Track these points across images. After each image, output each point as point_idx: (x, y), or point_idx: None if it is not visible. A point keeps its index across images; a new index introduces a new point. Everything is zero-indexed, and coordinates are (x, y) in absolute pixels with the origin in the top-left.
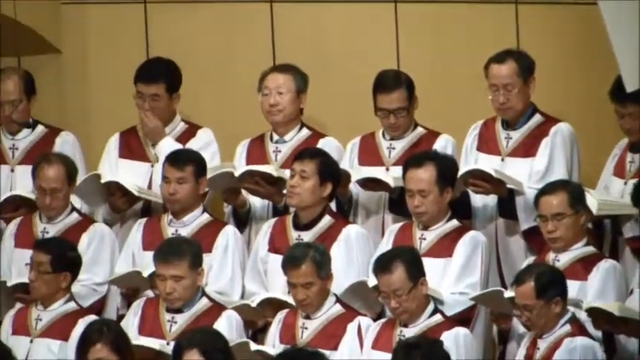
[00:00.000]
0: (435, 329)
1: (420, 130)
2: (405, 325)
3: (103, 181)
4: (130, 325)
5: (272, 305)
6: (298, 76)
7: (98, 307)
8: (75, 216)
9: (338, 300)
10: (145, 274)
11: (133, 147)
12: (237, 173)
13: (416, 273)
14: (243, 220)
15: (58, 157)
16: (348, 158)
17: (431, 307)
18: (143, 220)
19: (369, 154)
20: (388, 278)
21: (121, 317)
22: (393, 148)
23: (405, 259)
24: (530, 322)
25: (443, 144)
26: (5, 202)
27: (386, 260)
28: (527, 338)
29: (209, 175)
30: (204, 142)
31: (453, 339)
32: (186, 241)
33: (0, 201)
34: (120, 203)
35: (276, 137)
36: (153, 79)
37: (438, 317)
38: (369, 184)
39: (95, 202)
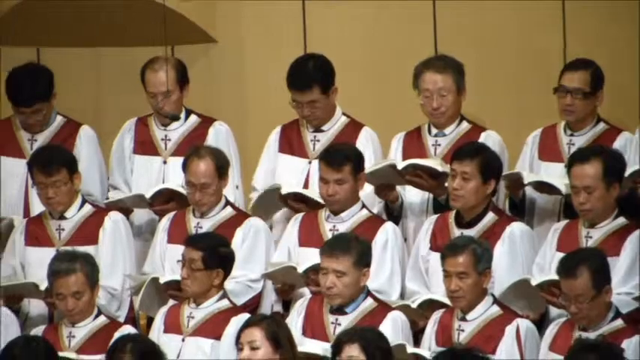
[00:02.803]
0: (615, 335)
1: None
2: (585, 329)
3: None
4: (294, 324)
5: (433, 306)
6: (456, 73)
7: (253, 304)
8: (229, 210)
9: (496, 301)
10: (300, 269)
11: (293, 142)
12: (399, 166)
13: (601, 281)
14: (396, 215)
15: (209, 151)
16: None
17: (612, 313)
18: (300, 216)
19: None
20: (572, 283)
21: (275, 314)
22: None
23: (592, 265)
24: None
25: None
26: (157, 195)
27: (571, 263)
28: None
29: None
30: (369, 142)
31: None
32: (356, 238)
33: (151, 194)
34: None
35: (434, 131)
36: (306, 86)
37: (619, 322)
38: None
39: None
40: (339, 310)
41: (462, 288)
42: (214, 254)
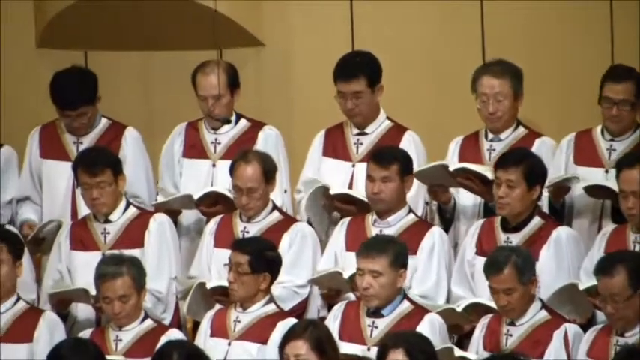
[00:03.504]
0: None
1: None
2: (622, 334)
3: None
4: (330, 329)
5: (478, 310)
6: (514, 78)
7: (299, 309)
8: (276, 215)
9: (544, 305)
10: (346, 275)
11: (337, 145)
12: (451, 168)
13: (638, 281)
14: (448, 217)
15: (256, 155)
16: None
17: None
18: (347, 220)
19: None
20: (608, 281)
21: (321, 320)
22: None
23: (629, 265)
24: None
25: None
26: (204, 197)
27: (608, 263)
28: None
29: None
30: (411, 146)
31: None
32: (392, 239)
33: (199, 196)
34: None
35: (490, 135)
36: (352, 75)
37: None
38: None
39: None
40: (376, 313)
41: (510, 302)
42: (261, 258)
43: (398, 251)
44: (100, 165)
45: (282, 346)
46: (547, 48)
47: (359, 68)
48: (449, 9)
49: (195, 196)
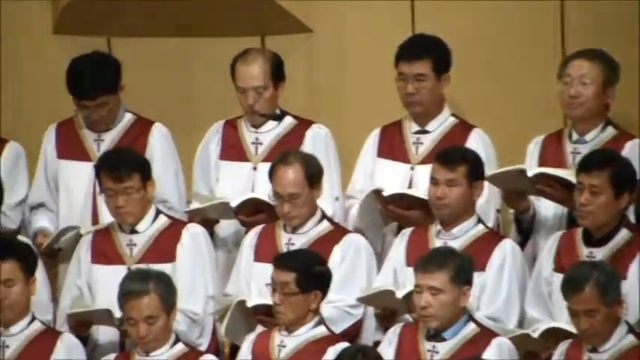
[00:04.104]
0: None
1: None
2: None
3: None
4: (385, 355)
5: (557, 335)
6: (607, 65)
7: (352, 332)
8: (325, 225)
9: (631, 330)
10: (400, 294)
11: (393, 145)
12: (529, 173)
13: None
14: (525, 226)
15: (298, 157)
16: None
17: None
18: (408, 231)
19: None
20: None
21: (376, 344)
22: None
23: None
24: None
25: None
26: (243, 205)
27: None
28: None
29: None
30: (480, 146)
31: None
32: (453, 252)
33: (237, 204)
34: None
35: (575, 136)
36: (417, 55)
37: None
38: None
39: None
40: (437, 337)
41: (593, 325)
42: (310, 274)
43: (460, 265)
44: (126, 169)
45: None
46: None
47: (425, 49)
48: (516, 9)
49: (234, 204)
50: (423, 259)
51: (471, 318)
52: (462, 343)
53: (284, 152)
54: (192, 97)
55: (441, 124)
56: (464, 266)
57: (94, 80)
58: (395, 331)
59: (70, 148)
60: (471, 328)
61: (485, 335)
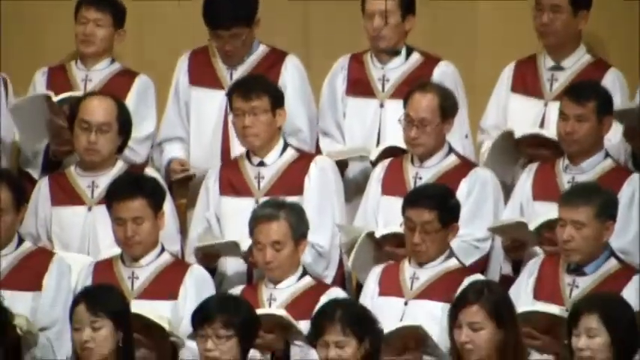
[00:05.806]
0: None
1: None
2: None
3: None
4: (524, 287)
5: None
6: None
7: (480, 266)
8: (452, 159)
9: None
10: (532, 226)
11: (527, 80)
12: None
13: None
14: None
15: (435, 86)
16: None
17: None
18: (534, 166)
19: None
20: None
21: (503, 278)
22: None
23: None
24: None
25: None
26: (380, 156)
27: None
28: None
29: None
30: (616, 84)
31: None
32: (599, 187)
33: (376, 155)
34: None
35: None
36: None
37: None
38: None
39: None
40: (578, 271)
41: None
42: (449, 208)
43: (606, 201)
44: (257, 89)
45: (452, 311)
46: None
47: None
48: None
49: (372, 157)
50: (569, 193)
51: (612, 253)
52: (602, 278)
53: (423, 81)
54: (312, 32)
55: (577, 60)
56: (609, 201)
57: (229, 10)
58: (536, 263)
59: (203, 75)
60: (613, 264)
61: (626, 271)
